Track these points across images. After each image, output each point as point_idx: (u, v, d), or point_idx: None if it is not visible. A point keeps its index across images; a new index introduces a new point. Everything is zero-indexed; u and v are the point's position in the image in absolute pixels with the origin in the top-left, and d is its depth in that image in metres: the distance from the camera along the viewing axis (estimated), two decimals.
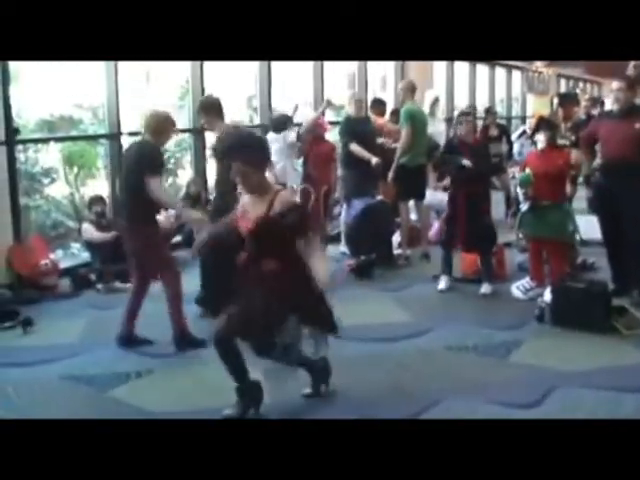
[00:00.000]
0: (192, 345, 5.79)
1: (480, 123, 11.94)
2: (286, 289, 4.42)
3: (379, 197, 8.69)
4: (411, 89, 9.05)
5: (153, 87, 12.06)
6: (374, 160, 8.27)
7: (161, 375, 5.38)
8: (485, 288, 7.20)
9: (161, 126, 5.83)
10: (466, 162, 7.03)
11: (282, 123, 8.27)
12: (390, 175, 8.39)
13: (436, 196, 9.00)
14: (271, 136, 8.26)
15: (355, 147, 8.36)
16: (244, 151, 4.47)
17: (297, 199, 4.76)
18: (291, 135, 8.10)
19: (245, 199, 4.61)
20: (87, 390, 5.15)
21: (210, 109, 6.55)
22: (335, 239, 9.01)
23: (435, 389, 4.95)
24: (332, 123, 10.23)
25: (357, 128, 8.54)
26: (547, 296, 6.31)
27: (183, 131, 10.13)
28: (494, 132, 11.53)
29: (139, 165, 5.61)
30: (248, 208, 4.53)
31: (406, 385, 5.06)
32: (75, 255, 9.13)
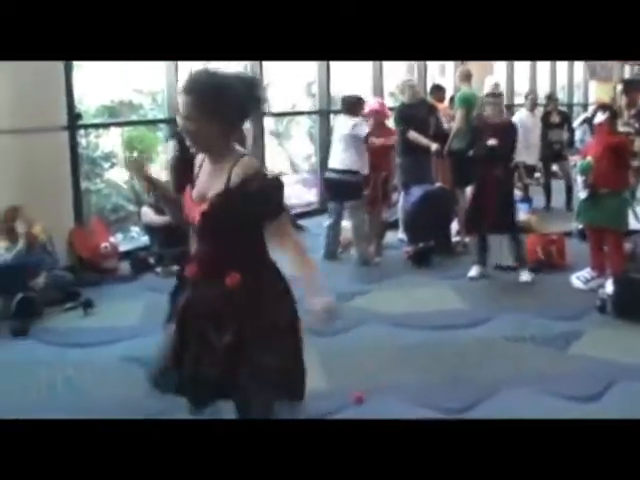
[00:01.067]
0: None
1: (541, 109, 11.73)
2: (260, 320, 3.08)
3: (438, 184, 8.62)
4: (467, 75, 9.01)
5: None
6: (434, 146, 8.22)
7: None
8: (525, 276, 7.13)
9: None
10: (492, 142, 6.95)
11: (355, 105, 8.07)
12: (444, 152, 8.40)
13: None
14: (342, 120, 8.15)
15: (413, 134, 8.30)
16: (223, 100, 2.99)
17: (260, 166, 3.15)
18: (363, 128, 7.88)
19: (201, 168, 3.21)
20: (146, 372, 5.20)
21: None
22: (393, 226, 8.96)
23: (493, 379, 4.89)
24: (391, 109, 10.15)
25: (412, 114, 8.49)
26: (609, 287, 6.19)
27: None
28: (555, 119, 11.33)
29: None
30: (203, 182, 3.15)
31: (463, 374, 5.01)
32: (134, 238, 9.24)
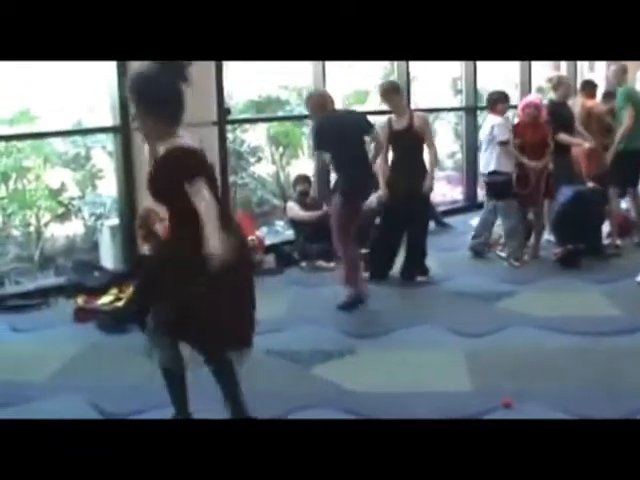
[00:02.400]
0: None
1: None
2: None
3: (589, 184, 8.30)
4: (623, 70, 8.61)
5: (356, 68, 12.17)
6: (587, 144, 7.94)
7: (363, 355, 5.40)
8: None
9: (320, 103, 6.29)
10: None
11: (497, 101, 7.91)
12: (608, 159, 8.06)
13: None
14: (487, 118, 8.01)
15: (563, 136, 8.04)
16: (153, 98, 3.64)
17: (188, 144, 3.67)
18: (501, 131, 7.62)
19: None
20: (290, 365, 5.26)
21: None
22: None
23: None
24: None
25: (562, 112, 8.21)
26: None
27: (381, 113, 10.12)
28: None
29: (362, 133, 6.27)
30: None
31: (615, 384, 4.76)
32: (279, 232, 9.37)
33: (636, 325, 5.82)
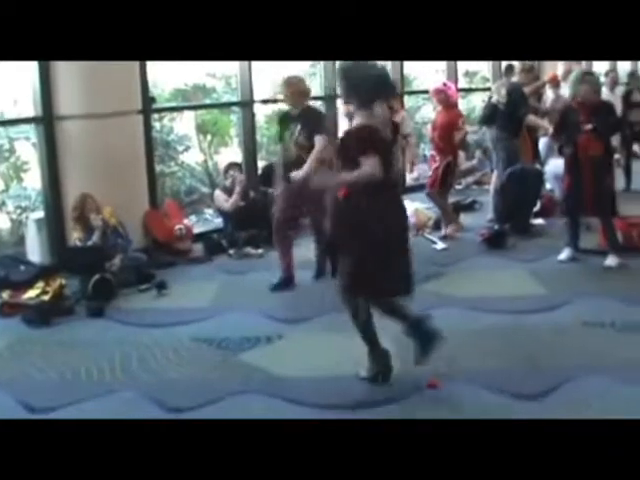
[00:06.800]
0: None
1: (622, 88, 11.32)
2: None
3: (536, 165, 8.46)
4: None
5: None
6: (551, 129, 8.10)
7: (291, 341, 5.41)
8: (610, 260, 6.84)
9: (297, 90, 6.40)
10: (589, 126, 6.68)
11: None
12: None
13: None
14: None
15: (533, 118, 8.31)
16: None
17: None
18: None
19: None
20: (217, 353, 5.24)
21: None
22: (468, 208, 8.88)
23: (569, 366, 4.72)
24: (462, 90, 9.94)
25: (523, 95, 8.35)
26: None
27: (315, 98, 10.13)
28: (637, 98, 10.87)
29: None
30: None
31: (539, 360, 4.86)
32: (208, 220, 9.32)
33: (559, 302, 5.94)
